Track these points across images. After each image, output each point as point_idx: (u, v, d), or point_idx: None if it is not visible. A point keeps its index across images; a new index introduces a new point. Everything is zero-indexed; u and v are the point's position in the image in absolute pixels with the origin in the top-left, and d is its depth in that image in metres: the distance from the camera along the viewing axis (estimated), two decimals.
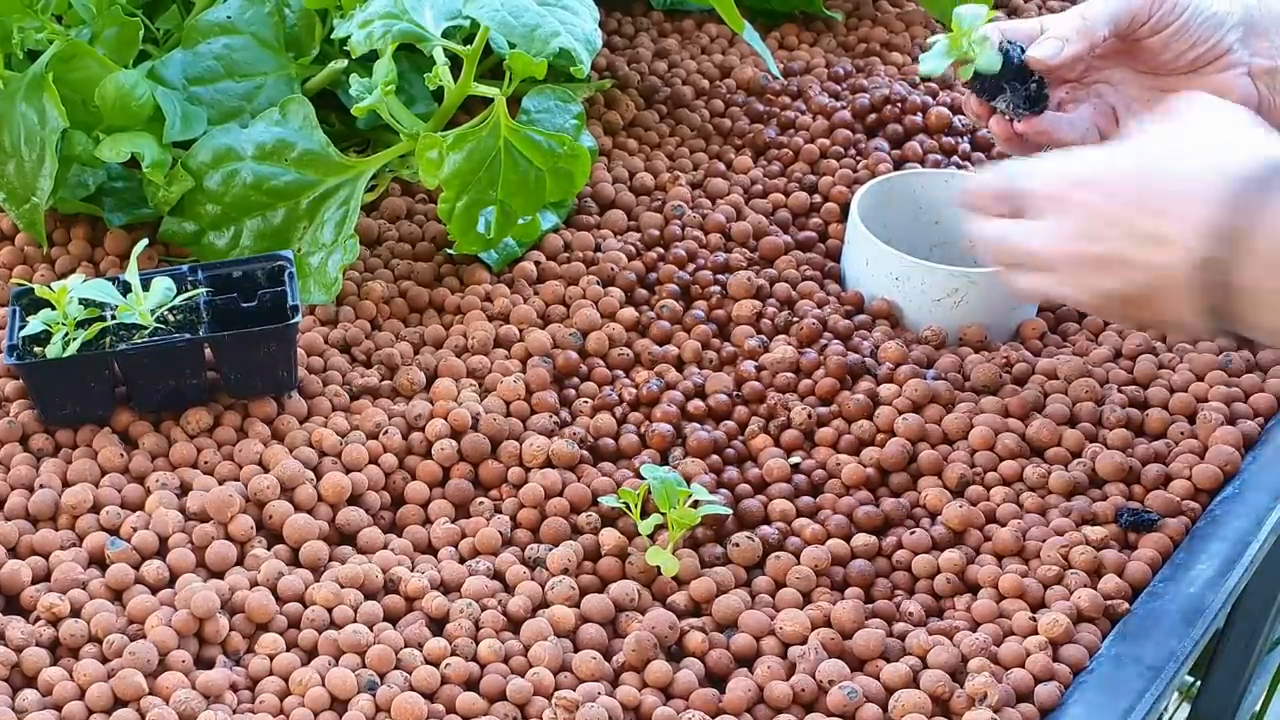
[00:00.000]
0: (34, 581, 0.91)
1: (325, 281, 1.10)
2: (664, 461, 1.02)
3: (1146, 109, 1.02)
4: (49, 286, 0.97)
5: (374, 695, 0.85)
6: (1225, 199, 0.77)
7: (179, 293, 0.99)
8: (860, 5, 1.51)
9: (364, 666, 0.87)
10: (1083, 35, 0.99)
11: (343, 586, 0.91)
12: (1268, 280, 0.76)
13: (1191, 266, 0.78)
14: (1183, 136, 0.84)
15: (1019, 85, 1.00)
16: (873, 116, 1.31)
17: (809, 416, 1.05)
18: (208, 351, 1.00)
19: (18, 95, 1.09)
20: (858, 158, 1.28)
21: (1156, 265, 0.81)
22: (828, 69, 1.40)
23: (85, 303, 0.98)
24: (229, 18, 1.18)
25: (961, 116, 1.30)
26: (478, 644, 0.89)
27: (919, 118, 1.31)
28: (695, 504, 0.95)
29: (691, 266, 1.17)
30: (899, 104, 1.31)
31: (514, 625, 0.91)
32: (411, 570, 0.94)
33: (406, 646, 0.89)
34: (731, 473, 1.02)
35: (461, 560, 0.96)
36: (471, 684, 0.87)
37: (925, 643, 0.90)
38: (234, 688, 0.87)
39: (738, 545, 0.96)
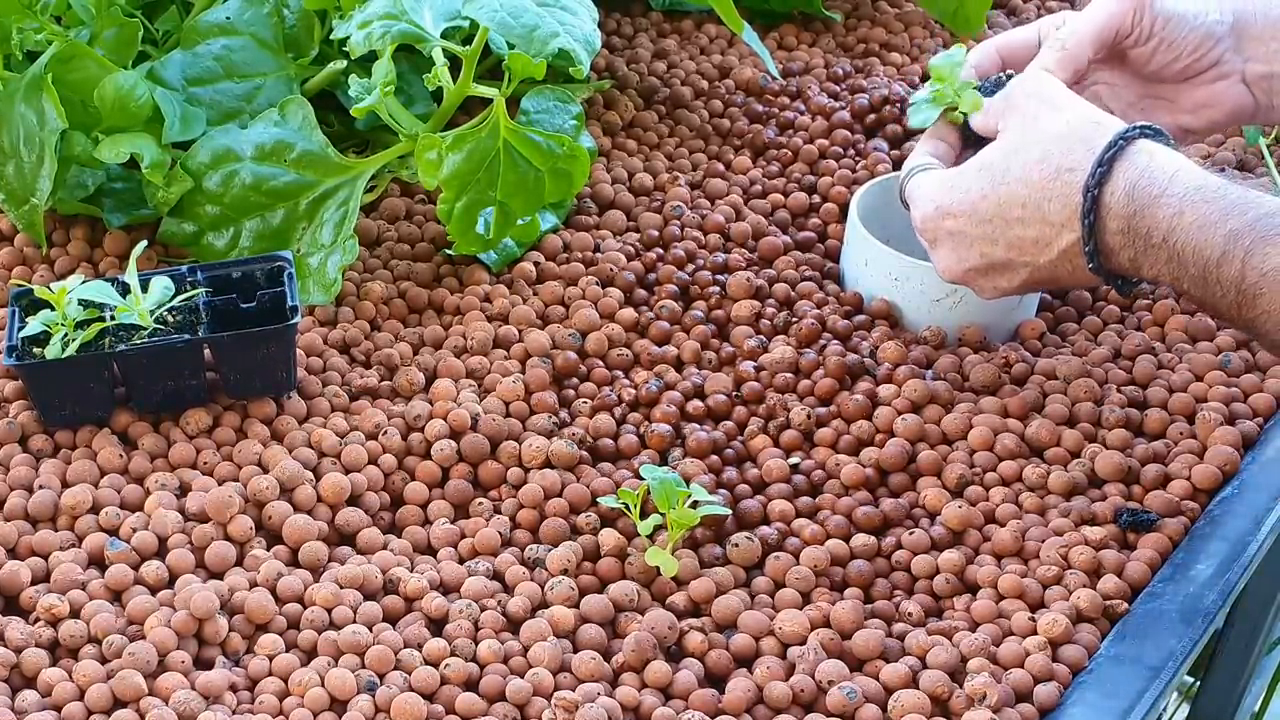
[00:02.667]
0: (33, 582, 0.91)
1: (324, 282, 1.10)
2: (663, 462, 1.02)
3: (1142, 116, 1.03)
4: (48, 287, 0.97)
5: (373, 696, 0.85)
6: (1076, 192, 0.90)
7: (178, 293, 0.99)
8: (859, 6, 1.51)
9: (363, 667, 0.87)
10: (1067, 63, 1.00)
11: (342, 587, 0.91)
12: (1114, 235, 0.89)
13: (1068, 251, 0.91)
14: (1025, 142, 0.93)
15: None
16: (872, 117, 1.31)
17: (808, 417, 1.05)
18: (207, 352, 1.00)
19: (17, 96, 1.09)
20: (857, 158, 1.28)
21: (1043, 261, 0.93)
22: (827, 69, 1.40)
23: (84, 303, 0.98)
24: (228, 18, 1.18)
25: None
26: (477, 644, 0.89)
27: None
28: (694, 504, 0.95)
29: (691, 267, 1.17)
30: (898, 104, 1.32)
31: (513, 626, 0.91)
32: (411, 571, 0.94)
33: (406, 647, 0.89)
34: (731, 473, 1.02)
35: (461, 561, 0.96)
36: (471, 684, 0.87)
37: (924, 643, 0.90)
38: (233, 688, 0.87)
39: (737, 546, 0.96)
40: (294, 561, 0.94)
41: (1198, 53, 1.01)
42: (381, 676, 0.87)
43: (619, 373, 1.09)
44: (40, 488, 0.96)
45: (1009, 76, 1.00)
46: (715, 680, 0.90)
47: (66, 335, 0.97)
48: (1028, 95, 0.96)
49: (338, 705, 0.86)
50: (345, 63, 1.16)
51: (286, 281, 1.02)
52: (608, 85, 1.33)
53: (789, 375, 1.08)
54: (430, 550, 0.97)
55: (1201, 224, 0.85)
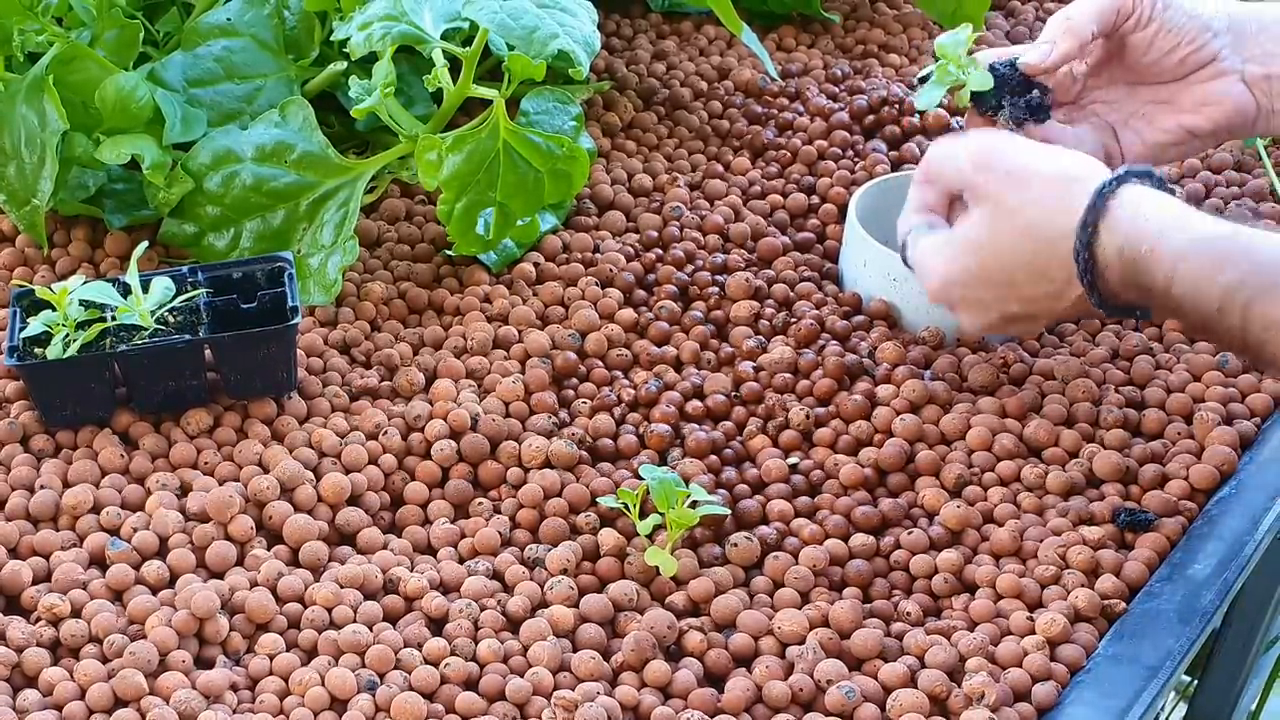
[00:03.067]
0: (35, 582, 0.91)
1: (325, 283, 1.10)
2: (662, 462, 1.03)
3: (1144, 123, 1.03)
4: (49, 288, 0.98)
5: (374, 695, 0.86)
6: (1069, 255, 0.89)
7: (179, 294, 1.00)
8: (858, 7, 1.51)
9: (364, 666, 0.88)
10: (1070, 34, 1.00)
11: (342, 587, 0.91)
12: (1119, 285, 0.89)
13: (1080, 300, 0.91)
14: (1006, 211, 0.93)
15: (1018, 98, 1.01)
16: (870, 118, 1.32)
17: (807, 417, 1.05)
18: (208, 352, 1.00)
19: (18, 97, 1.09)
20: (855, 159, 1.28)
21: (1060, 309, 0.94)
22: (825, 71, 1.40)
23: (85, 304, 0.98)
24: (229, 20, 1.18)
25: (959, 118, 1.30)
26: (477, 644, 0.89)
27: (916, 119, 1.31)
28: (694, 504, 0.95)
29: (690, 267, 1.17)
30: (896, 105, 1.32)
31: (513, 625, 0.91)
32: (411, 570, 0.94)
33: (406, 646, 0.89)
34: (730, 473, 1.02)
35: (461, 560, 0.96)
36: (471, 684, 0.88)
37: (923, 642, 0.90)
38: (234, 688, 0.87)
39: (736, 545, 0.97)
40: (294, 561, 0.94)
41: (1196, 43, 1.01)
42: (381, 676, 0.87)
43: (618, 373, 1.09)
44: (41, 488, 0.96)
45: (1011, 63, 1.00)
46: (714, 680, 0.90)
47: (68, 335, 0.97)
48: (993, 154, 0.95)
49: (338, 704, 0.86)
50: (345, 64, 1.17)
51: (287, 282, 1.02)
52: (607, 86, 1.34)
53: (788, 375, 1.08)
54: (430, 550, 0.97)
55: (1196, 278, 0.85)
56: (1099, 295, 0.90)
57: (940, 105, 1.31)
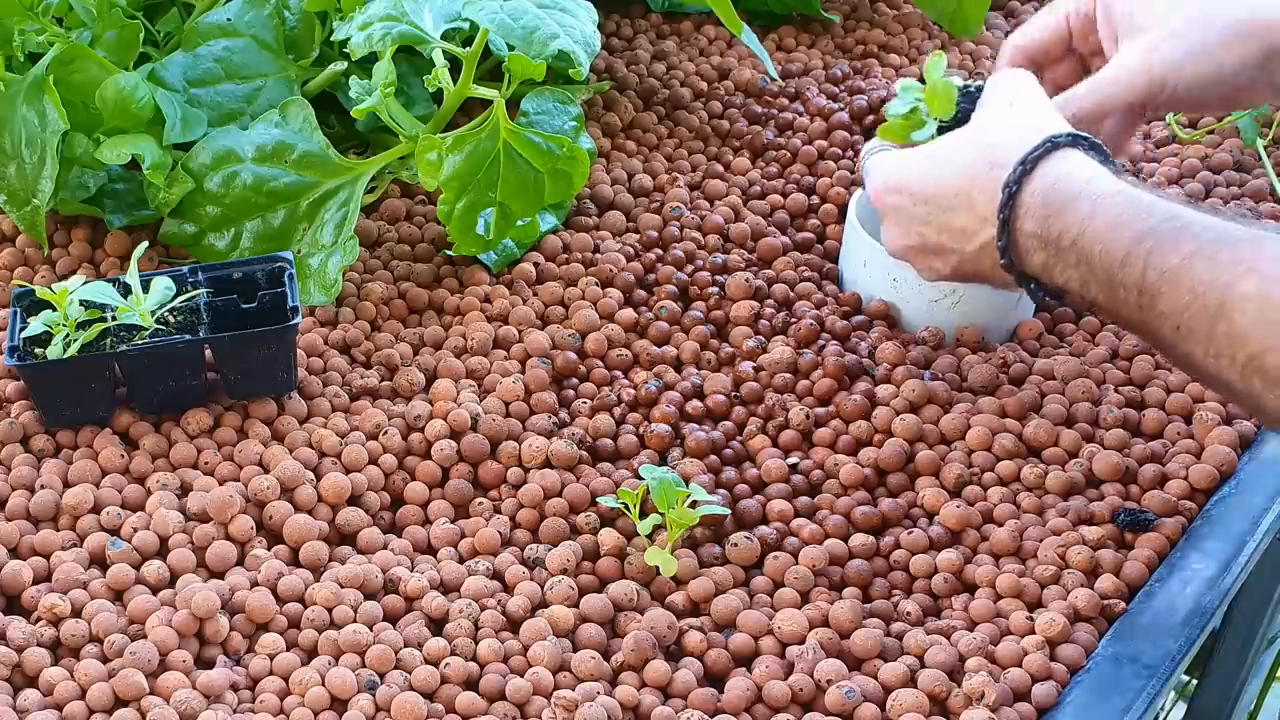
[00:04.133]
0: (35, 582, 0.91)
1: (325, 283, 1.10)
2: (662, 462, 1.03)
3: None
4: (50, 288, 0.98)
5: (374, 695, 0.86)
6: (999, 188, 0.90)
7: (179, 294, 1.00)
8: (858, 7, 1.51)
9: (364, 666, 0.88)
10: (1019, 52, 1.05)
11: (343, 587, 0.92)
12: (1029, 236, 0.90)
13: (988, 245, 0.92)
14: (974, 135, 0.95)
15: None
16: (870, 118, 1.32)
17: (807, 417, 1.05)
18: (208, 353, 1.00)
19: (19, 98, 1.09)
20: (856, 159, 1.28)
21: (969, 251, 0.94)
22: (825, 71, 1.40)
23: (86, 304, 0.98)
24: (229, 20, 1.18)
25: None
26: (477, 644, 0.89)
27: None
28: (694, 504, 0.95)
29: (690, 267, 1.17)
30: None
31: (513, 625, 0.91)
32: (411, 570, 0.94)
33: (406, 646, 0.89)
34: (730, 473, 1.02)
35: (461, 560, 0.96)
36: (471, 684, 0.88)
37: (923, 642, 0.91)
38: (234, 688, 0.87)
39: (736, 545, 0.97)
40: (295, 561, 0.94)
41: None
42: (382, 676, 0.87)
43: (618, 373, 1.09)
44: (42, 488, 0.96)
45: (979, 89, 1.01)
46: (714, 679, 0.90)
47: (68, 336, 0.97)
48: (997, 91, 0.97)
49: (338, 704, 0.86)
50: (346, 64, 1.17)
51: (287, 282, 1.02)
52: (607, 87, 1.34)
53: (788, 376, 1.08)
54: (430, 550, 0.97)
55: (1111, 225, 0.85)
56: (1007, 239, 0.90)
57: None
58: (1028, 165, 0.89)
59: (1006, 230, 0.90)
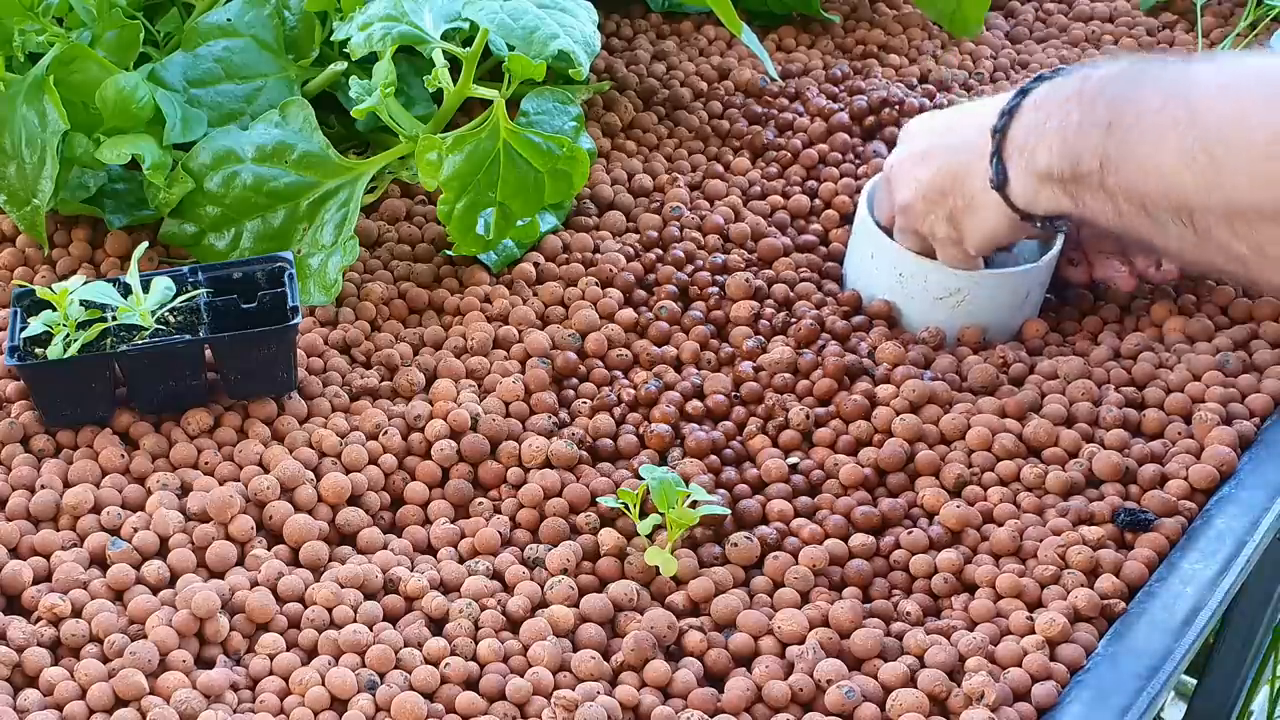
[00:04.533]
0: (35, 582, 0.91)
1: (325, 283, 1.10)
2: (662, 462, 1.03)
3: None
4: (50, 288, 0.98)
5: (374, 695, 0.86)
6: (992, 127, 1.00)
7: (179, 294, 1.00)
8: (858, 7, 1.51)
9: (364, 666, 0.88)
10: None
11: (343, 586, 0.92)
12: (1028, 123, 0.97)
13: (983, 133, 1.00)
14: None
15: None
16: (871, 119, 1.32)
17: (807, 417, 1.05)
18: (208, 353, 1.00)
19: (19, 98, 1.09)
20: (856, 160, 1.28)
21: (958, 147, 1.03)
22: (825, 71, 1.40)
23: (86, 304, 0.98)
24: (229, 20, 1.18)
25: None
26: (477, 644, 0.89)
27: None
28: (694, 504, 0.95)
29: (690, 268, 1.17)
30: (897, 106, 1.32)
31: (513, 625, 0.91)
32: (411, 570, 0.94)
33: (406, 646, 0.89)
34: (730, 473, 1.02)
35: (461, 560, 0.96)
36: (471, 684, 0.88)
37: (923, 642, 0.91)
38: (234, 687, 0.87)
39: (736, 545, 0.97)
40: (295, 561, 0.94)
41: None
42: (382, 676, 0.87)
43: (618, 373, 1.09)
44: (42, 488, 0.96)
45: None
46: (714, 679, 0.90)
47: (68, 336, 0.97)
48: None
49: (338, 704, 0.86)
50: (346, 64, 1.17)
51: (287, 282, 1.02)
52: (607, 87, 1.34)
53: (788, 376, 1.08)
54: (430, 550, 0.97)
55: (1102, 86, 0.92)
56: (999, 160, 0.98)
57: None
58: (1015, 100, 0.98)
59: (999, 157, 0.98)
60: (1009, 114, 0.98)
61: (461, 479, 1.00)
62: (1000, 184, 1.00)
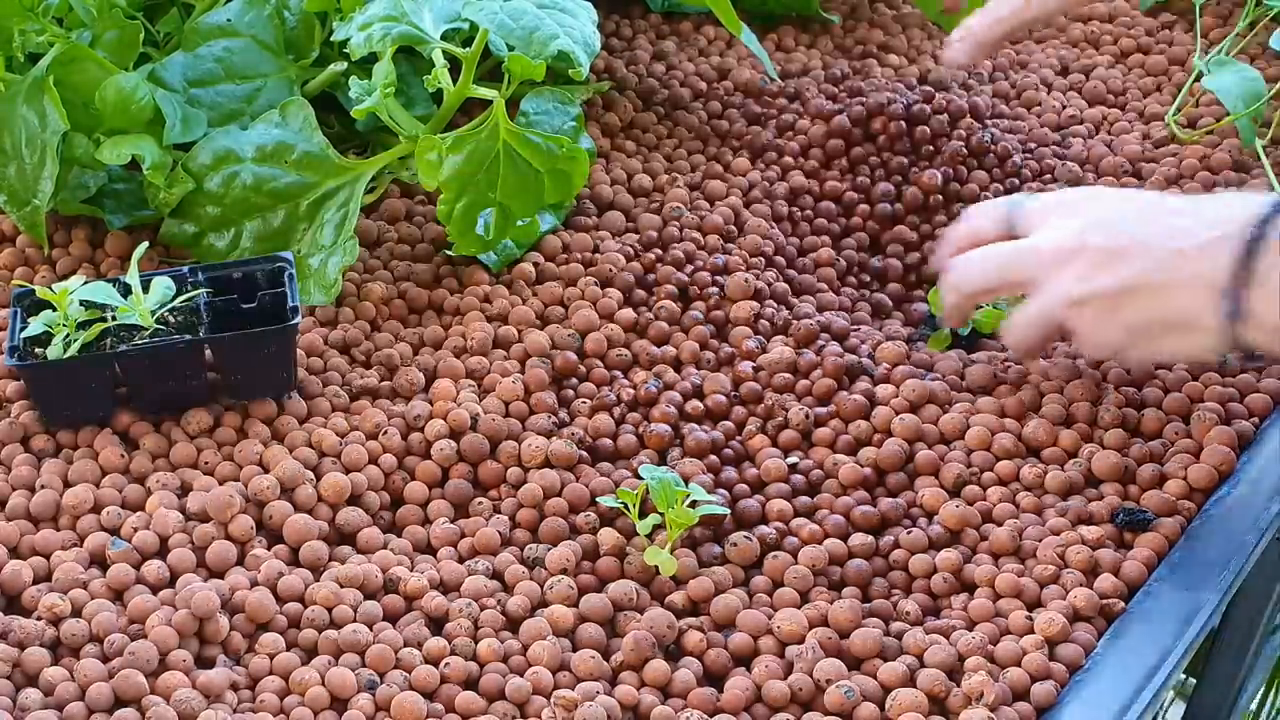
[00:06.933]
0: (35, 581, 0.91)
1: (325, 283, 1.10)
2: (662, 462, 1.03)
3: None
4: (50, 288, 0.98)
5: (374, 694, 0.86)
6: (1239, 232, 0.89)
7: (179, 294, 1.00)
8: (857, 8, 1.51)
9: (364, 666, 0.88)
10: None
11: (342, 586, 0.92)
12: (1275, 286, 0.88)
13: (1216, 261, 0.89)
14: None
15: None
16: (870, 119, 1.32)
17: (806, 417, 1.05)
18: (208, 352, 1.00)
19: (19, 98, 1.09)
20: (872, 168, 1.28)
21: (1169, 262, 0.91)
22: (825, 71, 1.40)
23: (86, 304, 0.98)
24: (229, 20, 1.18)
25: None
26: (477, 643, 0.89)
27: None
28: (693, 504, 0.95)
29: (689, 268, 1.17)
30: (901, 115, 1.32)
31: (513, 625, 0.91)
32: (411, 570, 0.94)
33: (406, 646, 0.89)
34: (729, 473, 1.02)
35: (460, 560, 0.96)
36: (470, 683, 0.88)
37: (922, 642, 0.91)
38: (234, 687, 0.87)
39: (735, 545, 0.97)
40: (294, 561, 0.94)
41: None
42: (381, 675, 0.87)
43: (618, 373, 1.10)
44: (42, 487, 0.96)
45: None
46: (714, 679, 0.90)
47: (68, 336, 0.97)
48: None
49: (338, 704, 0.86)
50: (346, 64, 1.17)
51: (287, 282, 1.02)
52: (607, 87, 1.34)
53: (787, 375, 1.08)
54: (430, 550, 0.97)
55: None
56: (1241, 295, 0.88)
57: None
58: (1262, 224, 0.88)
59: (1246, 264, 0.88)
60: (1254, 244, 0.88)
61: (461, 479, 1.00)
62: (1233, 317, 0.90)
